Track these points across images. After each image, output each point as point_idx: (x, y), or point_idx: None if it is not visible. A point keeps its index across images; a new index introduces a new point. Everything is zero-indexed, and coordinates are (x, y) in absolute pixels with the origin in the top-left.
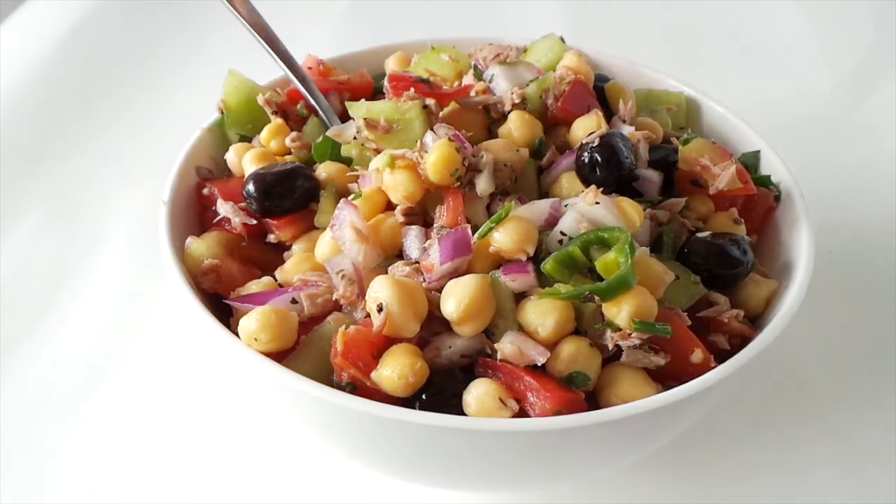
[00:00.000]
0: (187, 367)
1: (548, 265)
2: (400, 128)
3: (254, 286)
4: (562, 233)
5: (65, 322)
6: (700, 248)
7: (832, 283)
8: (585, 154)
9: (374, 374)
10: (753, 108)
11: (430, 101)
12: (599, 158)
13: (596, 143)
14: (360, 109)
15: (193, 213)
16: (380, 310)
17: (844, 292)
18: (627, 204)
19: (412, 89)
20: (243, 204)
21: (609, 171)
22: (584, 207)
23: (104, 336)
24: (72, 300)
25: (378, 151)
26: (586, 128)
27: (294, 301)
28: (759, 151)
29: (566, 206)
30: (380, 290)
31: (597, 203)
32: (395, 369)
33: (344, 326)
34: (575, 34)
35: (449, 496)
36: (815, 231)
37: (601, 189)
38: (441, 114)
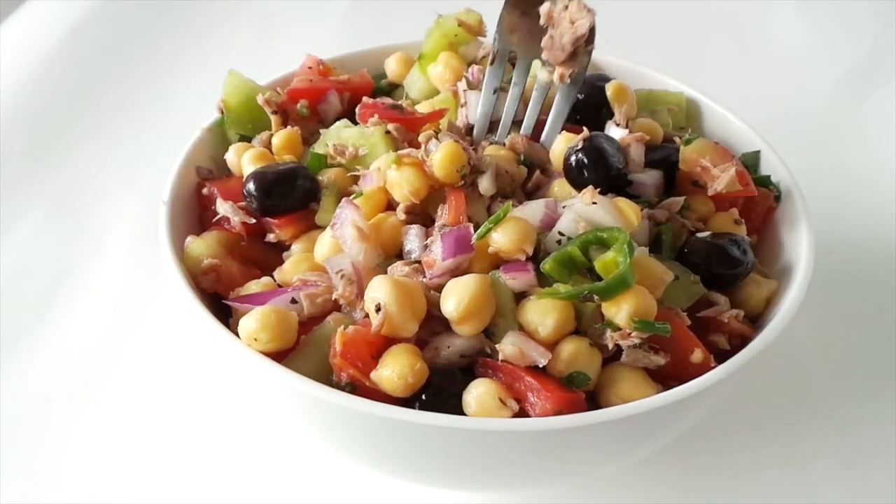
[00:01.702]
0: (187, 367)
1: (547, 265)
2: (367, 152)
3: (253, 286)
4: (560, 233)
5: (65, 322)
6: (700, 248)
7: (832, 283)
8: (572, 157)
9: (373, 374)
10: (753, 108)
11: (392, 126)
12: (586, 160)
13: (580, 146)
14: (332, 136)
15: (193, 213)
16: (378, 310)
17: (844, 292)
18: (625, 204)
19: (376, 115)
20: (243, 203)
21: (597, 172)
22: (581, 208)
23: (104, 336)
24: (72, 300)
25: (348, 170)
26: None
27: (294, 301)
28: (759, 152)
29: (564, 206)
30: (378, 290)
31: (594, 203)
32: (394, 369)
33: (343, 326)
34: None
35: (449, 496)
36: (815, 231)
37: (598, 189)
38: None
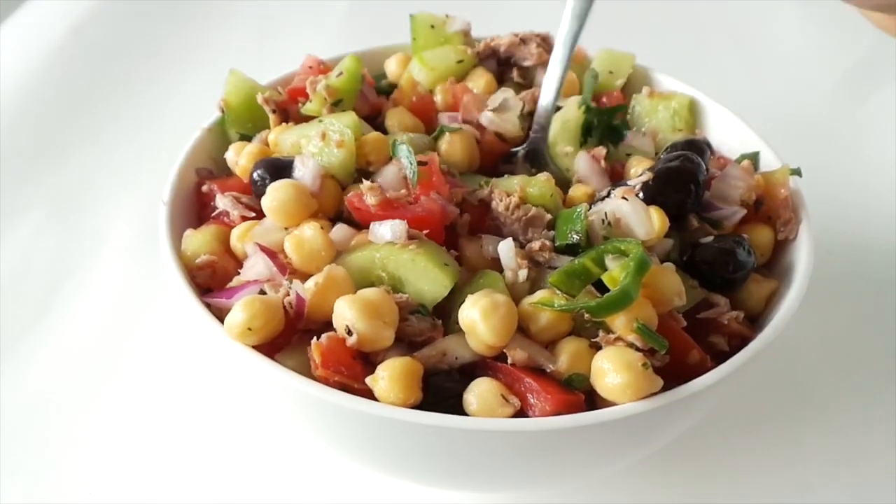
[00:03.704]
0: (188, 367)
1: (555, 277)
2: None
3: (233, 283)
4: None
5: (65, 322)
6: (710, 256)
7: (832, 283)
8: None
9: (368, 380)
10: (753, 109)
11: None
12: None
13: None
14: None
15: (193, 212)
16: (349, 332)
17: (844, 292)
18: (655, 211)
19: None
20: (244, 198)
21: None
22: (615, 202)
23: (105, 336)
24: (72, 301)
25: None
26: None
27: (262, 293)
28: (758, 152)
29: (604, 196)
30: (344, 312)
31: (624, 199)
32: (391, 395)
33: (315, 338)
34: None
35: (449, 496)
36: (815, 231)
37: (638, 192)
38: None
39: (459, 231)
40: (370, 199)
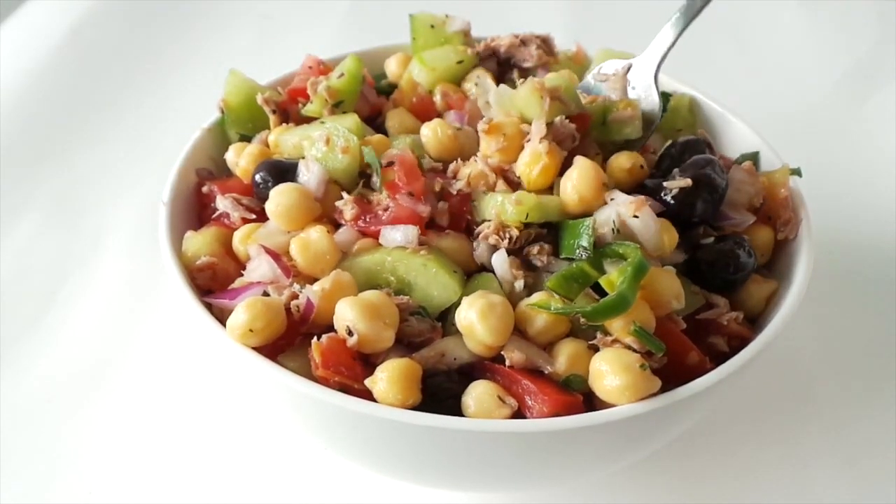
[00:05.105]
0: (188, 367)
1: (552, 281)
2: None
3: (235, 285)
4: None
5: (65, 322)
6: (711, 257)
7: (832, 284)
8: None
9: (367, 382)
10: (754, 109)
11: None
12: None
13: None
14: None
15: (193, 212)
16: (350, 333)
17: (844, 292)
18: (666, 227)
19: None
20: (245, 200)
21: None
22: (624, 211)
23: (105, 336)
24: (72, 301)
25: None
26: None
27: (266, 294)
28: (758, 152)
29: (612, 199)
30: (346, 313)
31: (636, 217)
32: (389, 396)
33: (316, 338)
34: (576, 33)
35: (448, 496)
36: (815, 231)
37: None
38: None
39: (439, 221)
40: (346, 214)
